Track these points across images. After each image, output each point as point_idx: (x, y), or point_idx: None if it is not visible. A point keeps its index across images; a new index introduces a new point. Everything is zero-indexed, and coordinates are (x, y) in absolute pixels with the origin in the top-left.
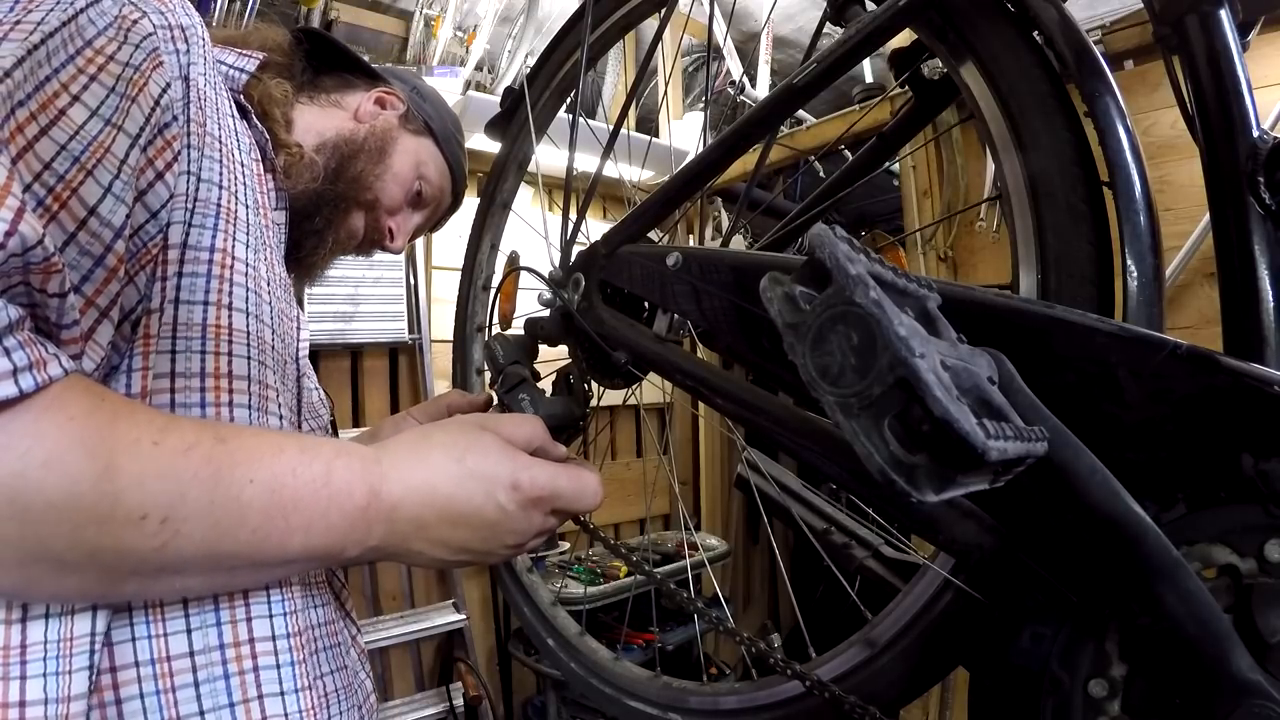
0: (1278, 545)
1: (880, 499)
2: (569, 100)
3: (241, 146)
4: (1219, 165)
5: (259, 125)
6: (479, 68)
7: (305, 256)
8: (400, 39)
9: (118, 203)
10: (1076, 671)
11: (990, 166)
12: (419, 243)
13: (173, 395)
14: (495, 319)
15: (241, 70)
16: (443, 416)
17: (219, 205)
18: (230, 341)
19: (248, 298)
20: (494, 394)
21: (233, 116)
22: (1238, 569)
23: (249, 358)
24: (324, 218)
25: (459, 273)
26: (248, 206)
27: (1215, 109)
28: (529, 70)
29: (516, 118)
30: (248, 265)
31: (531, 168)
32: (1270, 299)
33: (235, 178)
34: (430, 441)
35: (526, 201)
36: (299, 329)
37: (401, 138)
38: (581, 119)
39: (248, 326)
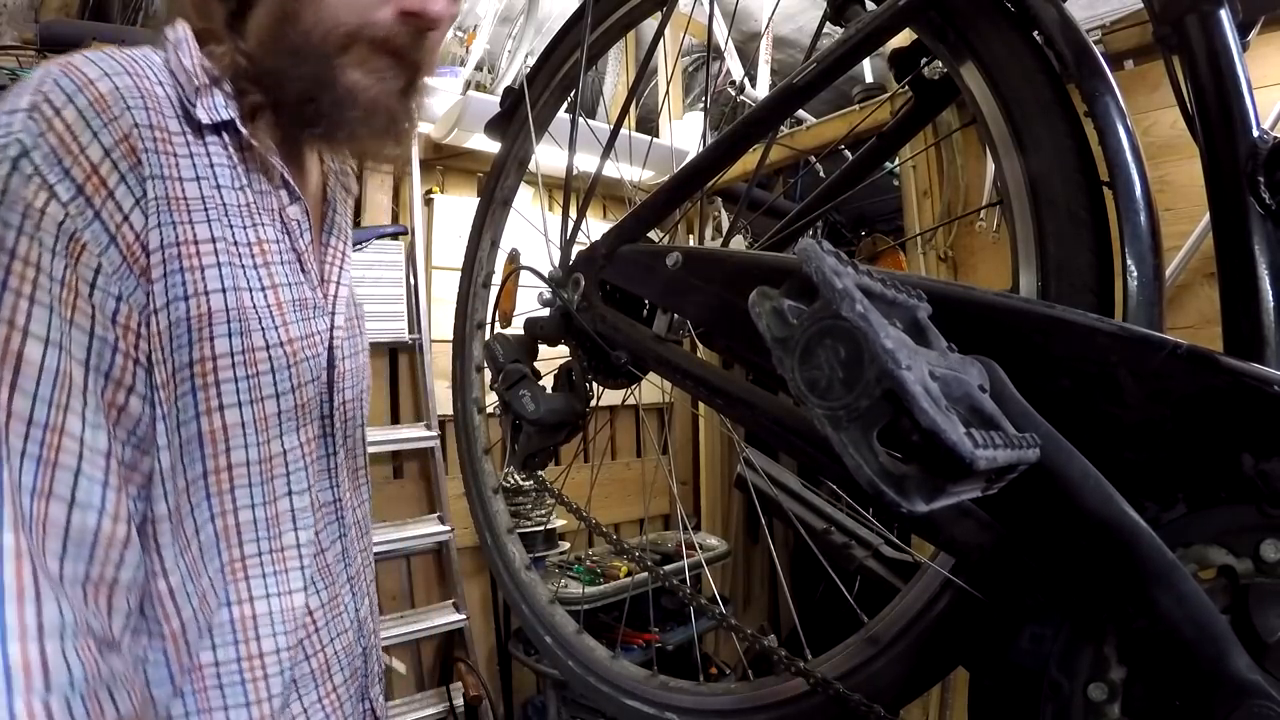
0: (1273, 545)
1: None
2: (569, 100)
3: (221, 184)
4: (1219, 165)
5: (229, 105)
6: (479, 68)
7: (331, 133)
8: None
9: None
10: (1076, 675)
11: (990, 167)
12: (419, 243)
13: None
14: (495, 318)
15: (192, 77)
16: None
17: (188, 321)
18: (227, 439)
19: (237, 388)
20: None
21: (205, 156)
22: (1234, 570)
23: (245, 445)
24: (298, 91)
25: (459, 272)
26: (233, 256)
27: (1215, 109)
28: (529, 70)
29: (516, 117)
30: (232, 356)
31: (531, 168)
32: (1270, 299)
33: (218, 258)
34: None
35: (527, 201)
36: (332, 306)
37: None
38: (581, 119)
39: (241, 418)
